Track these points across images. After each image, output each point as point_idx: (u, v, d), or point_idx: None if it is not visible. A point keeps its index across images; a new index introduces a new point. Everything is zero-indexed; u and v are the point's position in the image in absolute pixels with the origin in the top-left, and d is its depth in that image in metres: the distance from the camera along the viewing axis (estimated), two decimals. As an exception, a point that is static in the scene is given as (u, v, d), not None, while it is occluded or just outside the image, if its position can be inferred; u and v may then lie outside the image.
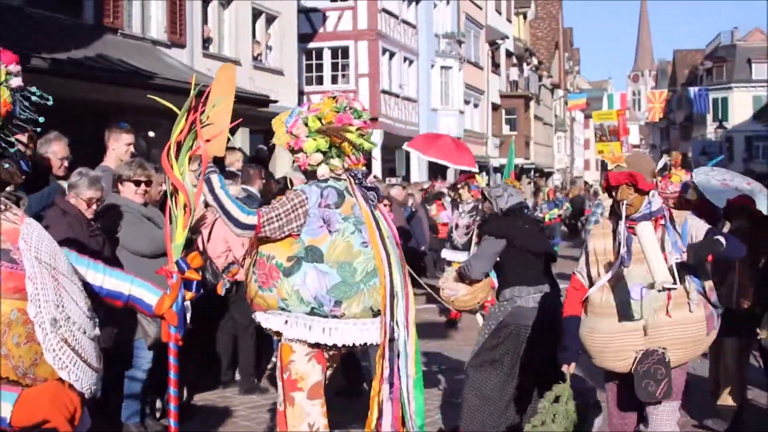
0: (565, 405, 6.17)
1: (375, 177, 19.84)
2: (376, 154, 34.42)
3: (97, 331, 4.53)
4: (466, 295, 7.93)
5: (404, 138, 34.77)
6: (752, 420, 8.73)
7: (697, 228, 5.99)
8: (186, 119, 5.43)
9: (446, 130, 42.06)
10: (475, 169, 11.85)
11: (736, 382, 8.35)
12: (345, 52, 35.50)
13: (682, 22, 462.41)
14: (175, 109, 5.46)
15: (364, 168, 5.84)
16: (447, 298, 8.09)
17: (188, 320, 5.67)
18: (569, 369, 6.29)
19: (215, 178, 5.51)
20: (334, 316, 5.47)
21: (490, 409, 7.56)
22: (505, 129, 58.39)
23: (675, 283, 5.58)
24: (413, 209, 20.55)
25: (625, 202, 6.00)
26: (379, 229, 5.65)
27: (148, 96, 6.54)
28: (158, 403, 8.69)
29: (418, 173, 37.51)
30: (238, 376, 10.27)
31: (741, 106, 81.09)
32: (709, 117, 79.55)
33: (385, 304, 5.53)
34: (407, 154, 31.27)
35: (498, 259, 7.69)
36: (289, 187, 8.79)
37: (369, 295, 5.51)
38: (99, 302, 4.72)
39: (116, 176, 8.17)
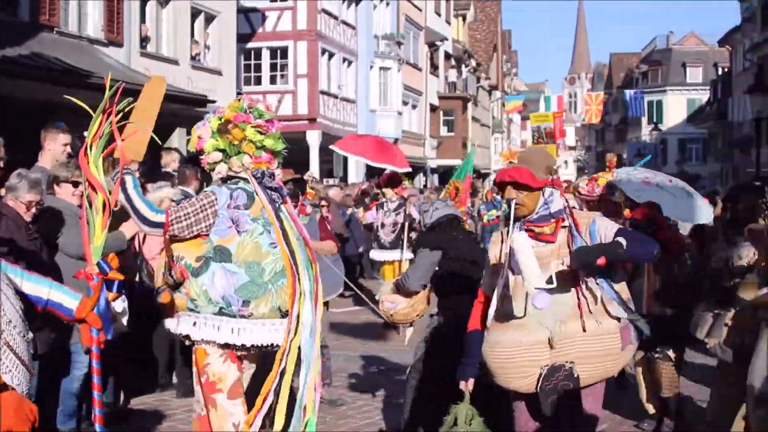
0: (466, 426, 5.69)
1: (313, 178, 19.83)
2: (314, 155, 34.41)
3: (30, 334, 4.52)
4: (405, 308, 7.99)
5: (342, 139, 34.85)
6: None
7: (605, 228, 5.45)
8: (101, 119, 5.44)
9: (384, 131, 42.03)
10: (399, 169, 11.80)
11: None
12: (284, 52, 35.44)
13: (619, 26, 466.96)
14: (88, 109, 5.44)
15: (274, 168, 5.91)
16: (386, 312, 8.13)
17: (125, 323, 5.74)
18: (467, 386, 5.78)
19: (129, 179, 5.59)
20: (242, 316, 5.56)
21: (432, 412, 7.59)
22: (443, 130, 58.50)
23: (551, 282, 5.21)
24: (351, 210, 20.60)
25: (514, 202, 5.49)
26: (285, 230, 5.72)
27: (64, 96, 6.49)
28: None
29: (356, 174, 37.54)
30: (175, 379, 10.23)
31: (675, 109, 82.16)
32: (644, 119, 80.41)
33: (292, 305, 5.60)
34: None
35: (437, 268, 7.77)
36: None
37: (277, 296, 5.60)
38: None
39: (52, 177, 7.93)
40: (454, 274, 7.65)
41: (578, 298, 5.40)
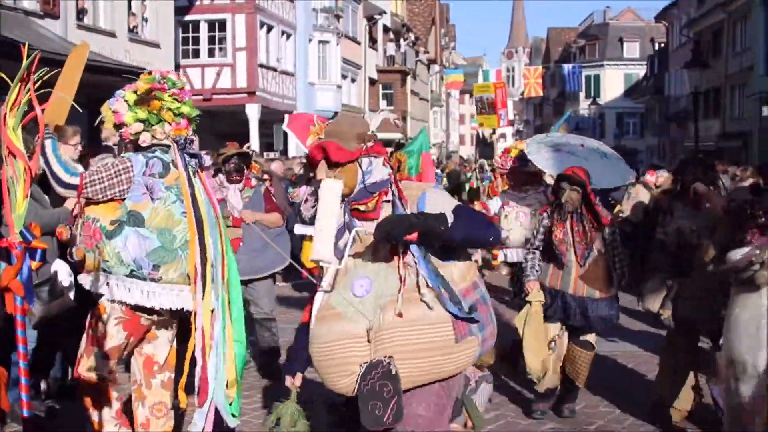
0: (290, 427, 4.85)
1: (253, 151, 19.62)
2: (254, 128, 34.20)
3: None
4: None
5: (281, 112, 34.62)
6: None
7: (435, 203, 4.59)
8: (19, 88, 5.37)
9: (323, 104, 42.06)
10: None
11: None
12: (222, 25, 35.08)
13: (556, 1, 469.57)
14: (6, 79, 5.36)
15: (190, 134, 6.06)
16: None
17: (72, 297, 5.67)
18: (294, 383, 4.92)
19: (48, 143, 5.81)
20: (152, 280, 5.75)
21: None
22: (382, 104, 58.45)
23: (330, 262, 4.53)
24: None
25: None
26: (195, 197, 5.82)
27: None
28: (42, 384, 8.46)
29: (296, 148, 37.38)
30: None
31: (613, 84, 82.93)
32: (582, 94, 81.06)
33: (195, 272, 5.68)
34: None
35: None
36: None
37: (186, 263, 5.75)
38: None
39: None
40: None
41: (400, 280, 4.51)
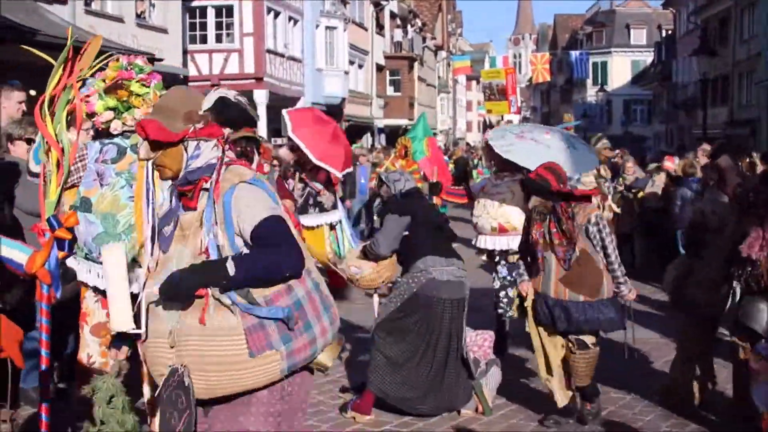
0: (105, 403, 4.89)
1: (260, 138, 19.60)
2: (262, 113, 34.17)
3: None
4: (371, 273, 8.08)
5: (289, 98, 34.61)
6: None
7: (239, 202, 4.16)
8: (62, 74, 5.37)
9: (331, 90, 42.04)
10: (338, 173, 11.05)
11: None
12: (229, 10, 34.96)
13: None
14: (51, 60, 5.37)
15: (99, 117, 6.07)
16: (351, 276, 8.22)
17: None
18: (118, 355, 4.95)
19: None
20: (101, 263, 5.62)
21: (398, 372, 7.64)
22: (390, 90, 58.46)
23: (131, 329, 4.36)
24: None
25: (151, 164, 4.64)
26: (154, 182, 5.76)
27: (21, 47, 6.42)
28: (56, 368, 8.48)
29: (304, 134, 37.29)
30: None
31: (620, 71, 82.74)
32: (589, 81, 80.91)
33: (143, 257, 5.58)
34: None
35: (406, 233, 7.82)
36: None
37: (131, 247, 5.80)
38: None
39: (6, 135, 7.88)
40: (421, 238, 7.77)
41: None
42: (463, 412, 7.85)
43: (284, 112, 11.58)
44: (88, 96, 6.01)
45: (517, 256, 9.29)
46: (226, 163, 4.35)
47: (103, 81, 5.99)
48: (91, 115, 6.02)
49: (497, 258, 9.92)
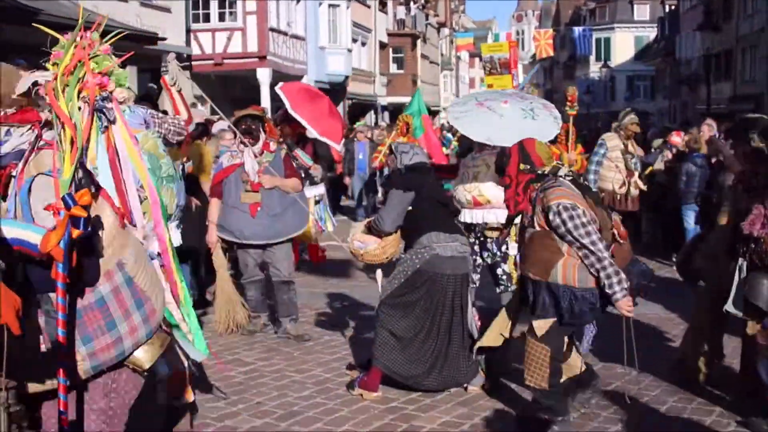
0: None
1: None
2: (265, 92, 34.11)
3: None
4: (376, 249, 8.05)
5: (292, 76, 34.51)
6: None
7: (38, 190, 3.97)
8: (73, 52, 5.36)
9: (334, 68, 41.93)
10: (338, 147, 11.03)
11: None
12: (232, -12, 34.90)
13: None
14: (60, 37, 5.35)
15: (111, 89, 5.75)
16: (356, 251, 8.20)
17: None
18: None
19: None
20: None
21: (404, 350, 7.67)
22: (393, 67, 58.35)
23: None
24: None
25: None
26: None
27: (33, 24, 6.39)
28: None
29: (308, 112, 37.22)
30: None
31: (623, 46, 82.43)
32: (593, 57, 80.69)
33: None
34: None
35: (410, 208, 7.83)
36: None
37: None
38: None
39: (15, 114, 7.89)
40: (425, 214, 7.77)
41: None
42: (470, 389, 7.88)
43: (278, 88, 11.55)
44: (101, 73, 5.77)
45: (495, 232, 9.56)
46: (38, 148, 4.19)
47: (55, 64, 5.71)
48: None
49: (478, 234, 9.78)
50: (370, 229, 8.08)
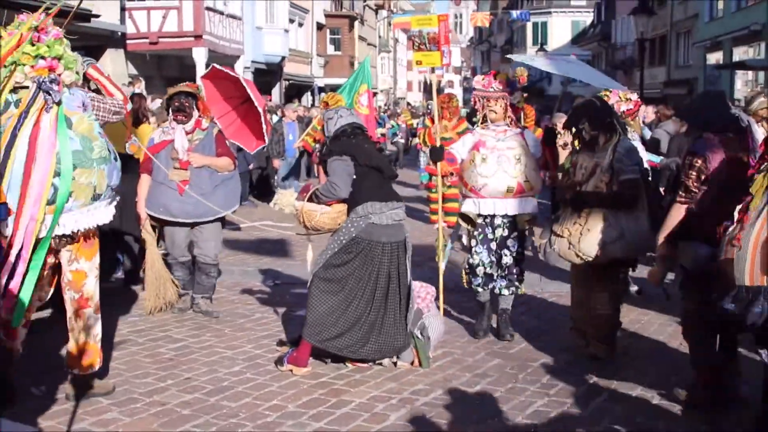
0: None
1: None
2: (200, 72, 33.85)
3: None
4: (332, 212, 7.89)
5: (229, 57, 34.40)
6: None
7: None
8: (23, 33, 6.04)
9: (271, 49, 41.80)
10: (250, 152, 10.67)
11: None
12: (169, -34, 34.55)
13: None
14: (17, 18, 5.59)
15: (60, 71, 6.48)
16: (309, 212, 7.92)
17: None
18: None
19: None
20: None
21: (336, 319, 7.65)
22: (330, 49, 58.29)
23: None
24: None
25: None
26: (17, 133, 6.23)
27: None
28: None
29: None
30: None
31: (560, 31, 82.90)
32: (529, 40, 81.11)
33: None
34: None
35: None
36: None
37: None
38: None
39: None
40: (361, 183, 7.74)
41: None
42: (400, 364, 7.94)
43: (199, 80, 11.23)
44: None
45: (528, 222, 8.98)
46: None
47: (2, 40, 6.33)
48: None
49: (498, 226, 8.96)
50: (317, 200, 7.92)
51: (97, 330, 6.89)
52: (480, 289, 9.02)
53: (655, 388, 7.33)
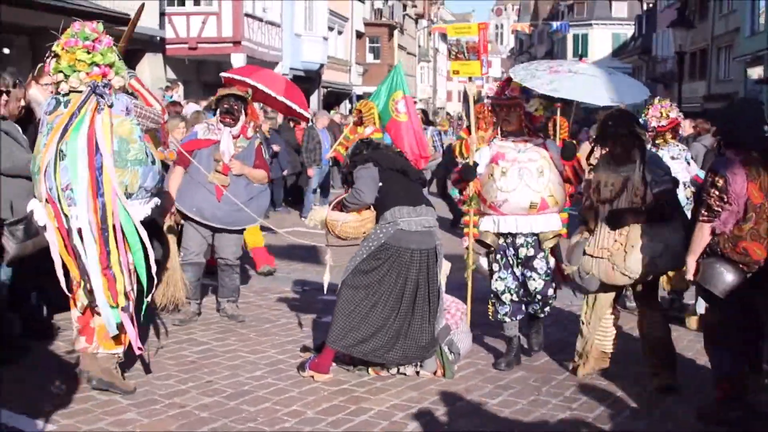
0: None
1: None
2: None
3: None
4: (354, 221, 7.87)
5: (267, 63, 34.46)
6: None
7: None
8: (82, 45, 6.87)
9: (310, 56, 41.90)
10: (305, 113, 10.43)
11: None
12: (208, -27, 34.73)
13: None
14: (72, 28, 6.80)
15: (112, 78, 7.02)
16: (332, 222, 7.94)
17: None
18: None
19: None
20: (39, 197, 6.93)
21: (362, 324, 7.61)
22: (369, 57, 58.42)
23: None
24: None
25: None
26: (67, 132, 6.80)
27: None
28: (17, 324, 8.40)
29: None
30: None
31: (601, 43, 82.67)
32: (570, 52, 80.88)
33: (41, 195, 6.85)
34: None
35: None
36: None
37: (39, 184, 6.84)
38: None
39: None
40: (389, 188, 7.73)
41: None
42: (422, 373, 7.90)
43: (222, 74, 11.01)
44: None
45: (553, 241, 8.36)
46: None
47: (59, 46, 6.91)
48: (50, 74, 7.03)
49: (522, 246, 8.37)
50: (344, 207, 7.94)
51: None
52: (507, 320, 8.43)
53: (680, 405, 7.25)
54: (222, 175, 9.43)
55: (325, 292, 8.43)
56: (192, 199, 9.47)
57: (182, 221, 9.69)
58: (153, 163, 7.07)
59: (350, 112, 45.36)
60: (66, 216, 6.78)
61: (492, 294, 8.49)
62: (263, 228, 12.37)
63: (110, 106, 6.89)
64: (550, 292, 8.39)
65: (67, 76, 6.86)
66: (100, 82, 6.89)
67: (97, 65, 6.90)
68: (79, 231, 6.75)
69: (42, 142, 6.84)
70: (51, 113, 6.90)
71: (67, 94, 6.91)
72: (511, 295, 8.37)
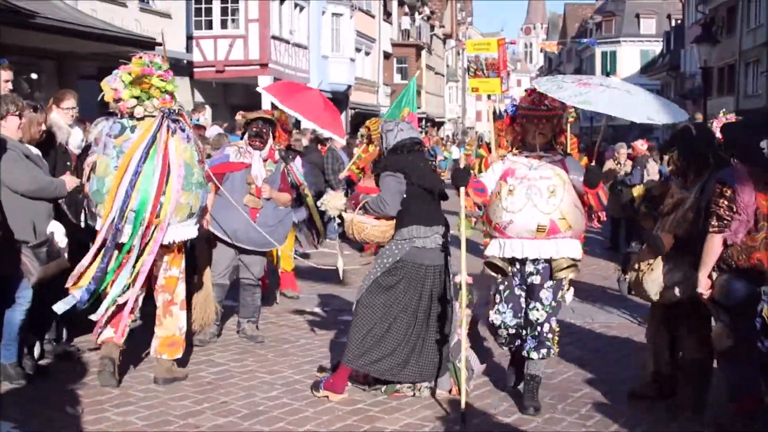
0: None
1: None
2: (266, 100, 34.11)
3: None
4: (380, 226, 7.89)
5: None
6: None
7: None
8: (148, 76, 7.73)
9: (337, 77, 41.99)
10: (341, 140, 10.56)
11: None
12: (235, -4, 34.92)
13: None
14: (137, 60, 7.74)
15: (173, 105, 7.81)
16: (359, 224, 7.94)
17: (66, 257, 5.99)
18: None
19: None
20: (98, 215, 7.69)
21: (378, 343, 7.63)
22: (397, 78, 58.48)
23: None
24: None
25: None
26: (147, 155, 7.57)
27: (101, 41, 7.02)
28: (36, 347, 8.47)
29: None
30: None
31: (629, 60, 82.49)
32: (598, 70, 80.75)
33: (106, 216, 7.57)
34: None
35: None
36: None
37: (106, 204, 7.54)
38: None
39: (-3, 112, 8.01)
40: (410, 204, 7.69)
41: None
42: (438, 393, 7.91)
43: (259, 88, 11.46)
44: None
45: (568, 271, 7.52)
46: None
47: (129, 74, 7.63)
48: (117, 100, 7.68)
49: (531, 273, 7.60)
50: (367, 213, 7.93)
51: (182, 323, 8.15)
52: (504, 348, 8.03)
53: (695, 423, 7.23)
54: (256, 198, 9.55)
55: (341, 278, 9.16)
56: (229, 223, 9.56)
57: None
58: (206, 184, 8.04)
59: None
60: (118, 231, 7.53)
61: (489, 324, 7.89)
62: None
63: (183, 130, 7.76)
64: (552, 325, 7.52)
65: (142, 101, 7.62)
66: (169, 108, 7.73)
67: (168, 93, 7.76)
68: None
69: (111, 164, 7.54)
70: (117, 137, 7.63)
71: (133, 118, 7.67)
72: (507, 330, 7.65)
